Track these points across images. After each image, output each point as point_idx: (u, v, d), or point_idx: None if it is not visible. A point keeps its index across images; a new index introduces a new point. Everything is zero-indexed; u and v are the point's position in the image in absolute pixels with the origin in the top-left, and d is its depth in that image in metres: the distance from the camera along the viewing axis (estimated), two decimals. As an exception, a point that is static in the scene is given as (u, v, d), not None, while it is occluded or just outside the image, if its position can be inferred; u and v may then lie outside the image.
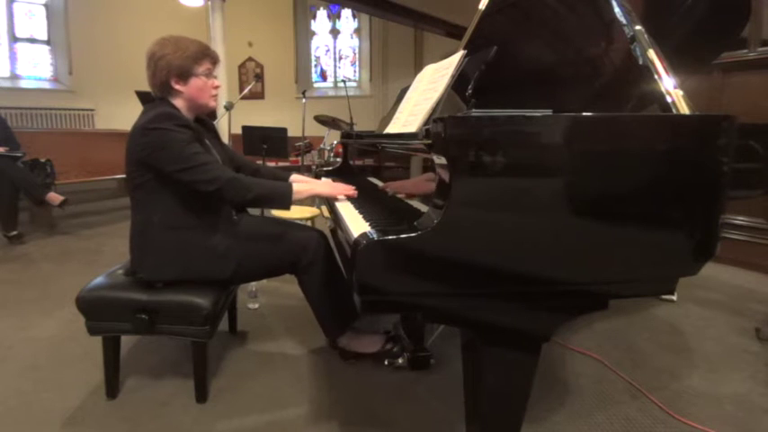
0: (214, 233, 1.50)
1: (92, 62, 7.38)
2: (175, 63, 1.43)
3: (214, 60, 1.52)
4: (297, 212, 2.68)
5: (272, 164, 4.40)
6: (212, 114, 1.84)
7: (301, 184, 1.59)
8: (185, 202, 1.44)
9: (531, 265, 0.88)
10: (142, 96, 2.54)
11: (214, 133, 1.71)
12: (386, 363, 1.67)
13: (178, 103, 1.49)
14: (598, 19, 1.30)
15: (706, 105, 2.95)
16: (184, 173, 1.36)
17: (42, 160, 3.91)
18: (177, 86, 1.46)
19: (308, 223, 2.40)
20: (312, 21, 9.32)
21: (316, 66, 9.46)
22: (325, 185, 1.59)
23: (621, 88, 1.23)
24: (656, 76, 1.03)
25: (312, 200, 2.86)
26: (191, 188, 1.39)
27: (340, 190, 1.56)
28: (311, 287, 1.59)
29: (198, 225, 1.47)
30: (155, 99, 1.51)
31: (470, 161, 0.83)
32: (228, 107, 3.02)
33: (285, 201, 1.46)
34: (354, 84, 9.01)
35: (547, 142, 0.86)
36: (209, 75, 1.51)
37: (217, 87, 1.55)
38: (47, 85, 7.46)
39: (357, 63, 9.35)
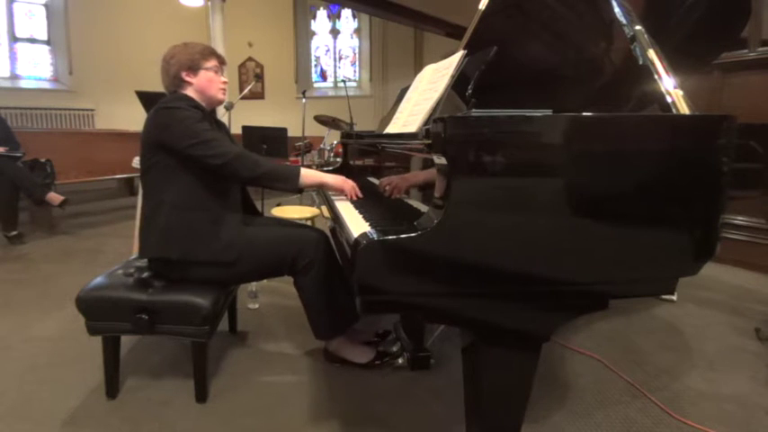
0: (220, 220, 1.52)
1: (92, 62, 7.37)
2: (185, 58, 1.56)
3: (221, 60, 1.65)
4: (297, 212, 2.68)
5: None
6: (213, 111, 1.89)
7: (311, 170, 1.60)
8: (195, 184, 1.49)
9: (531, 264, 0.88)
10: (142, 96, 2.53)
11: (226, 131, 1.78)
12: (386, 363, 1.67)
13: (189, 94, 1.58)
14: (598, 19, 1.30)
15: (706, 105, 2.95)
16: (194, 148, 1.43)
17: (42, 160, 3.90)
18: (188, 78, 1.57)
19: (309, 223, 2.39)
20: (312, 21, 9.31)
21: (316, 66, 9.45)
22: (335, 178, 1.58)
23: (621, 88, 1.23)
24: (656, 76, 1.03)
25: (312, 200, 2.86)
26: (201, 164, 1.45)
27: (349, 187, 1.55)
28: (306, 288, 1.58)
29: (206, 208, 1.51)
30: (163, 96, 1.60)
31: (470, 161, 0.84)
32: (228, 107, 3.01)
33: (293, 181, 1.51)
34: (354, 84, 9.00)
35: (547, 142, 0.86)
36: (217, 71, 1.62)
37: (225, 83, 1.66)
38: (47, 85, 7.46)
39: (357, 63, 9.34)
